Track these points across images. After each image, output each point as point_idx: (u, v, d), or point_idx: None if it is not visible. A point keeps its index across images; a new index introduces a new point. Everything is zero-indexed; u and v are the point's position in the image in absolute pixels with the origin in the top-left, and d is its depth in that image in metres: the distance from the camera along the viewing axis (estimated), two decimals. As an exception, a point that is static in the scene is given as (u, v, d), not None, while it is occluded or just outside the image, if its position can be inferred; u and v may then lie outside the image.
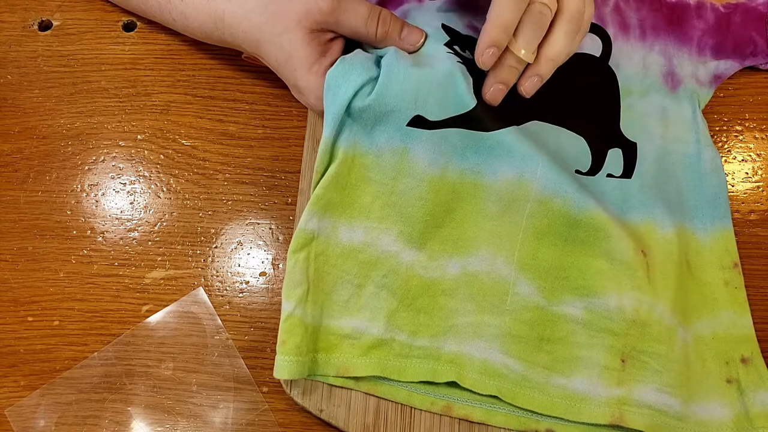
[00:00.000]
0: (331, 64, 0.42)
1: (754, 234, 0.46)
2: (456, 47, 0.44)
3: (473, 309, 0.41)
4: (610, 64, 0.48)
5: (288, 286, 0.40)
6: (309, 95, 0.43)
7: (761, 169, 0.48)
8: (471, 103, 0.42)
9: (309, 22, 0.41)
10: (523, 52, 0.40)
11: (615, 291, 0.41)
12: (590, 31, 0.48)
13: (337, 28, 0.42)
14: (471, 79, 0.42)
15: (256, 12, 0.42)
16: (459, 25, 0.46)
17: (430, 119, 0.42)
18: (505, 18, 0.39)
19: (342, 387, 0.41)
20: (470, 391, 0.41)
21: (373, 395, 0.41)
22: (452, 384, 0.41)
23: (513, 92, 0.43)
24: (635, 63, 0.48)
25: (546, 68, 0.41)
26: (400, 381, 0.41)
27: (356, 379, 0.41)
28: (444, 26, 0.45)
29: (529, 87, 0.42)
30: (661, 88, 0.48)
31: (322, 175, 0.42)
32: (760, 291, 0.45)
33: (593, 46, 0.48)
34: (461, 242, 0.42)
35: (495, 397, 0.40)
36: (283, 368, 0.39)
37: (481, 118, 0.42)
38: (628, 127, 0.46)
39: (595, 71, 0.48)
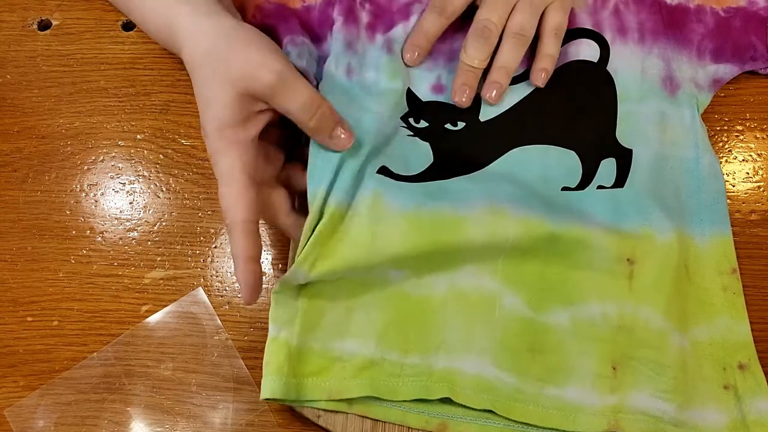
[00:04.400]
0: (247, 139, 0.39)
1: (754, 234, 0.46)
2: (411, 119, 0.47)
3: (462, 324, 0.41)
4: (608, 68, 0.48)
5: (274, 309, 0.40)
6: (211, 157, 0.39)
7: (762, 168, 0.48)
8: (428, 162, 0.45)
9: (243, 86, 0.38)
10: (475, 62, 0.46)
11: (597, 299, 0.41)
12: (588, 37, 0.49)
13: (270, 103, 0.39)
14: (426, 144, 0.46)
15: (208, 41, 0.39)
16: (429, 79, 0.48)
17: (395, 172, 0.44)
18: (425, 27, 0.47)
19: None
20: (464, 406, 0.40)
21: (367, 417, 0.41)
22: (446, 401, 0.40)
23: (497, 124, 0.47)
24: (633, 67, 0.48)
25: (498, 75, 0.46)
26: (393, 401, 0.41)
27: (349, 401, 0.41)
28: (408, 93, 0.47)
29: (493, 96, 0.46)
30: (659, 93, 0.47)
31: (310, 237, 0.41)
32: (761, 291, 0.45)
33: (591, 52, 0.48)
34: (447, 261, 0.42)
35: (490, 411, 0.40)
36: (267, 388, 0.39)
37: (441, 172, 0.45)
38: (625, 133, 0.46)
39: (593, 77, 0.48)
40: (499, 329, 0.41)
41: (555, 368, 0.41)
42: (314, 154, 0.42)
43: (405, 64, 0.47)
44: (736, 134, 0.49)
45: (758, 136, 0.49)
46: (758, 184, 0.48)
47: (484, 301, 0.42)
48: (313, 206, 0.40)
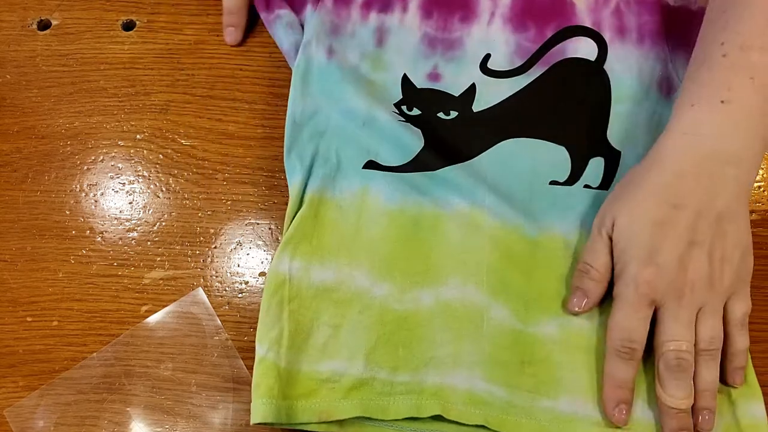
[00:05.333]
0: None
1: (754, 234, 0.46)
2: (404, 107, 0.47)
3: (451, 338, 0.41)
4: (604, 68, 0.48)
5: (261, 329, 0.41)
6: None
7: (762, 168, 0.48)
8: (418, 146, 0.45)
9: None
10: (682, 403, 0.38)
11: None
12: (587, 35, 0.49)
13: None
14: (418, 129, 0.46)
15: None
16: (425, 67, 0.48)
17: (383, 164, 0.45)
18: (618, 377, 0.39)
19: None
20: (457, 423, 0.40)
21: None
22: (438, 417, 0.40)
23: (481, 118, 0.47)
24: (630, 68, 0.48)
25: (706, 400, 0.39)
26: (385, 420, 0.40)
27: (340, 423, 0.40)
28: (404, 79, 0.48)
29: (705, 425, 0.39)
30: (655, 94, 0.47)
31: (292, 220, 0.44)
32: (760, 291, 0.45)
33: (589, 50, 0.48)
34: (431, 272, 0.42)
35: (482, 426, 0.40)
36: (257, 411, 0.39)
37: (431, 160, 0.45)
38: (615, 134, 0.46)
39: (589, 76, 0.48)
40: (488, 343, 0.41)
41: (546, 380, 0.40)
42: (289, 146, 0.46)
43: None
44: (737, 134, 0.49)
45: (758, 136, 0.49)
46: (758, 184, 0.48)
47: (471, 315, 0.41)
48: (293, 195, 0.44)
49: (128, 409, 0.42)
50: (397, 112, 0.47)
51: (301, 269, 0.42)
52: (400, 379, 0.40)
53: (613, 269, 0.40)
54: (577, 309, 0.41)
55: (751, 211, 0.47)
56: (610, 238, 0.40)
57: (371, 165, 0.45)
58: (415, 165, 0.45)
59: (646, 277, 0.38)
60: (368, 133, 0.46)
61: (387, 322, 0.41)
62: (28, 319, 0.45)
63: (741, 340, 0.40)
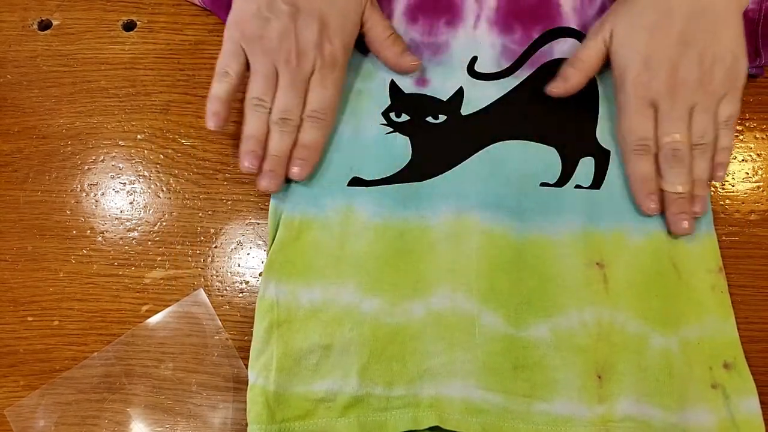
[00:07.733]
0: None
1: (754, 234, 0.46)
2: (392, 114, 0.47)
3: (444, 348, 0.41)
4: None
5: (252, 355, 0.41)
6: (330, 64, 0.44)
7: (761, 169, 0.48)
8: (407, 158, 0.46)
9: (363, 4, 0.46)
10: (679, 188, 0.43)
11: (575, 308, 0.42)
12: (574, 38, 0.49)
13: (366, 21, 0.46)
14: (407, 138, 0.46)
15: None
16: (412, 73, 0.48)
17: (367, 179, 0.45)
18: (642, 172, 0.44)
19: None
20: None
21: None
22: (436, 428, 0.40)
23: (467, 122, 0.47)
24: None
25: (701, 187, 0.44)
26: None
27: None
28: (391, 85, 0.48)
29: (699, 208, 0.44)
30: None
31: (273, 241, 0.44)
32: (760, 291, 0.45)
33: (575, 51, 0.48)
34: (419, 284, 0.43)
35: None
36: None
37: (419, 169, 0.45)
38: (605, 133, 0.47)
39: None
40: (481, 350, 0.41)
41: (541, 383, 0.40)
42: None
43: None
44: (736, 134, 0.49)
45: (758, 136, 0.49)
46: (758, 184, 0.48)
47: (462, 323, 0.41)
48: (270, 217, 0.45)
49: (129, 408, 0.42)
50: (385, 122, 0.47)
51: (287, 292, 0.42)
52: (395, 393, 0.41)
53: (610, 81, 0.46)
54: (554, 90, 0.46)
55: (751, 211, 0.47)
56: (605, 44, 0.45)
57: (356, 182, 0.45)
58: (402, 177, 0.45)
59: (642, 80, 0.43)
60: (353, 150, 0.46)
61: (378, 337, 0.41)
62: (29, 318, 0.45)
63: (724, 139, 0.44)
